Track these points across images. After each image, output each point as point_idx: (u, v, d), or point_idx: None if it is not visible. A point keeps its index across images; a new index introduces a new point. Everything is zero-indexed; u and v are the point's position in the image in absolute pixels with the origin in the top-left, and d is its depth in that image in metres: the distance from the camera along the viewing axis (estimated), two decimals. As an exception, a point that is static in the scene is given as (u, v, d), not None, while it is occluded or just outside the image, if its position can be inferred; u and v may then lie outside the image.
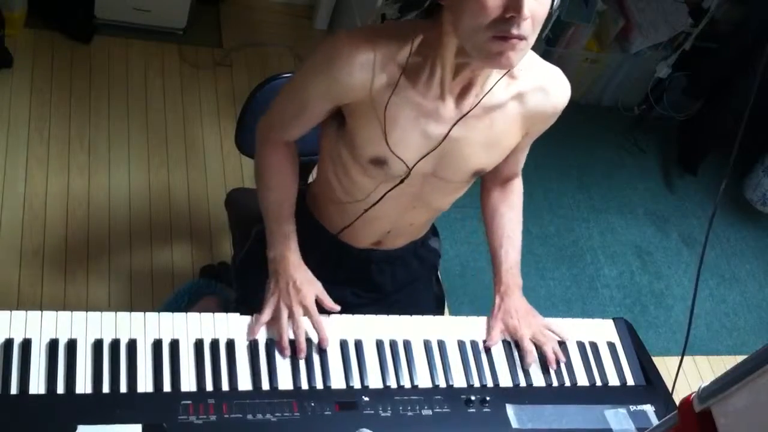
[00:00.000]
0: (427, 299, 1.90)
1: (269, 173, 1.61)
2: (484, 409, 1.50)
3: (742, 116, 1.41)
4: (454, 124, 1.45)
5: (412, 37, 1.40)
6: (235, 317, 1.51)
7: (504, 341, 1.63)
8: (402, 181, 1.53)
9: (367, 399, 1.46)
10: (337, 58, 1.40)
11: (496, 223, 1.73)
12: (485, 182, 1.76)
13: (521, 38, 1.27)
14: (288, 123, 1.57)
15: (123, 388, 1.36)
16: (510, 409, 1.52)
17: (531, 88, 1.49)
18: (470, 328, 1.64)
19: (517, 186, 1.77)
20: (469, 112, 1.45)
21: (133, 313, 1.45)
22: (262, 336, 1.50)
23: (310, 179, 2.08)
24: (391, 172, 1.51)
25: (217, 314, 1.50)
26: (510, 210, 1.74)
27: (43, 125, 2.76)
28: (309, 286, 1.54)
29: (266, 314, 1.50)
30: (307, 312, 1.51)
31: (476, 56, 1.33)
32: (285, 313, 1.50)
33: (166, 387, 1.38)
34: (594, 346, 1.68)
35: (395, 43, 1.40)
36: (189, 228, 2.68)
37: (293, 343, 1.49)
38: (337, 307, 1.55)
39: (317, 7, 3.42)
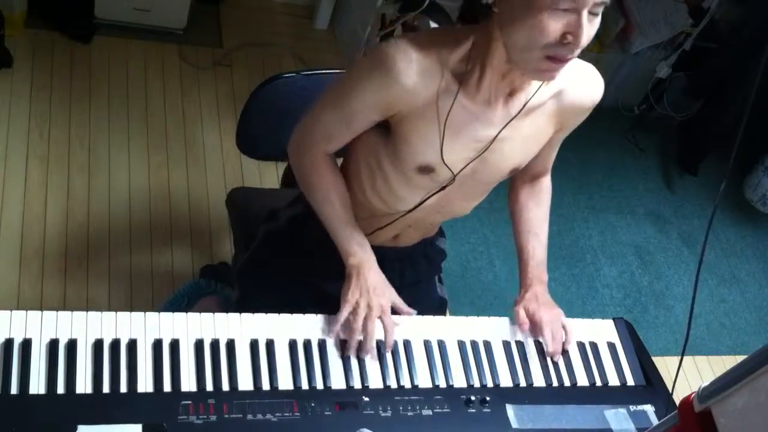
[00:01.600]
0: (430, 299, 1.90)
1: (326, 188, 1.61)
2: (484, 409, 1.50)
3: (742, 116, 1.41)
4: (504, 127, 1.47)
5: (465, 43, 1.41)
6: (235, 317, 1.51)
7: (504, 341, 1.64)
8: (444, 188, 1.55)
9: (367, 399, 1.46)
10: (395, 65, 1.39)
11: (524, 219, 1.74)
12: (514, 179, 1.78)
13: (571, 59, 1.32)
14: (333, 136, 1.55)
15: (123, 388, 1.36)
16: (510, 409, 1.52)
17: (568, 85, 1.51)
18: (470, 328, 1.64)
19: (546, 184, 1.79)
20: (517, 114, 1.46)
21: (133, 313, 1.45)
22: (262, 335, 1.50)
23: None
24: (438, 178, 1.52)
25: (217, 314, 1.50)
26: (537, 207, 1.76)
27: (43, 125, 2.76)
28: (386, 289, 1.57)
29: (345, 311, 1.52)
30: (382, 313, 1.53)
31: (522, 69, 1.36)
32: (363, 313, 1.51)
33: (166, 387, 1.38)
34: (594, 346, 1.68)
35: (448, 49, 1.41)
36: (189, 228, 2.68)
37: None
38: (414, 312, 1.58)
39: (317, 7, 3.42)
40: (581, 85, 1.53)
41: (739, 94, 3.33)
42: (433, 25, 2.74)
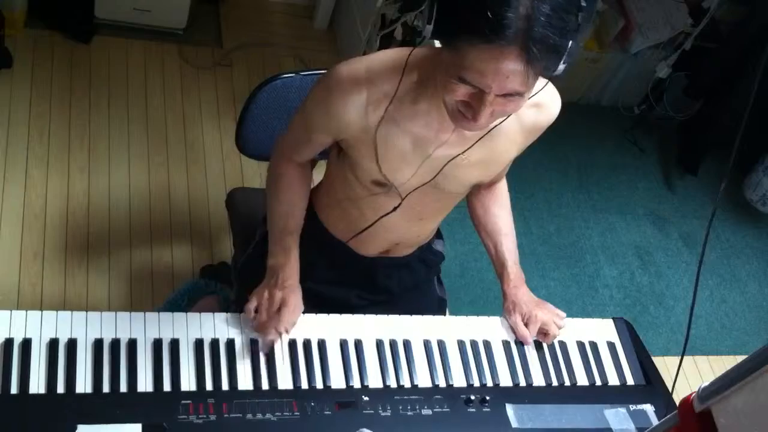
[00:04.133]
0: (429, 300, 1.90)
1: (280, 188, 1.63)
2: (484, 409, 1.50)
3: (742, 116, 1.41)
4: (459, 154, 1.47)
5: (407, 67, 1.40)
6: (235, 317, 1.51)
7: (504, 341, 1.64)
8: (395, 209, 1.57)
9: (367, 399, 1.46)
10: (332, 96, 1.43)
11: (492, 222, 1.75)
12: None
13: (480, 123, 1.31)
14: (299, 147, 1.60)
15: (123, 388, 1.36)
16: (510, 409, 1.52)
17: (526, 105, 1.47)
18: (470, 328, 1.64)
19: (503, 185, 1.79)
20: (473, 145, 1.46)
21: (133, 313, 1.45)
22: (261, 335, 1.49)
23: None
24: (393, 191, 1.54)
25: (217, 314, 1.51)
26: (501, 209, 1.76)
27: (43, 125, 2.76)
28: (295, 294, 1.54)
29: (250, 304, 1.51)
30: (283, 304, 1.50)
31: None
32: (266, 304, 1.50)
33: (166, 387, 1.38)
34: (594, 346, 1.68)
35: (388, 77, 1.41)
36: (189, 228, 2.68)
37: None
38: (290, 329, 1.53)
39: (317, 7, 3.42)
40: (538, 105, 1.52)
41: (739, 94, 3.33)
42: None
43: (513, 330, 1.65)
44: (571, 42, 1.19)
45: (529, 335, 1.63)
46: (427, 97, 1.41)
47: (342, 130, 1.47)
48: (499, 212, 1.76)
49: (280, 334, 1.49)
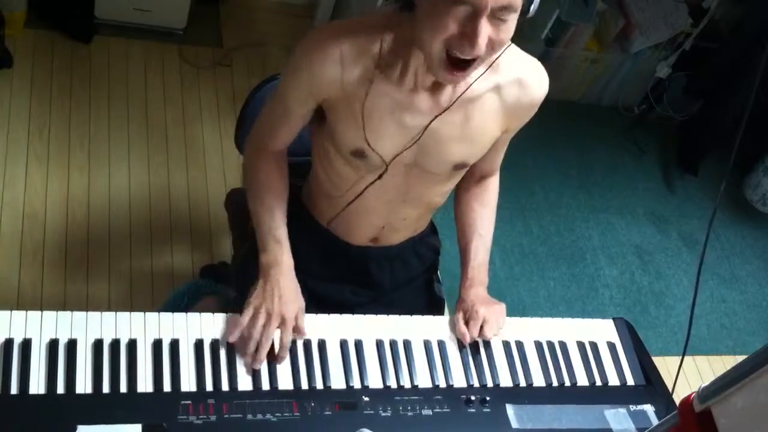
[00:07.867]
0: (427, 298, 1.90)
1: (261, 183, 1.61)
2: (484, 409, 1.50)
3: (742, 116, 1.41)
4: (434, 119, 1.46)
5: (383, 31, 1.41)
6: (235, 317, 1.51)
7: (503, 341, 1.64)
8: (380, 176, 1.54)
9: (367, 399, 1.46)
10: (310, 54, 1.42)
11: (469, 220, 1.73)
12: (461, 179, 1.74)
13: (474, 60, 1.30)
14: (275, 129, 1.58)
15: (123, 388, 1.36)
16: (510, 409, 1.52)
17: (509, 81, 1.48)
18: (470, 328, 1.64)
19: (493, 184, 1.76)
20: (449, 107, 1.45)
21: (133, 313, 1.45)
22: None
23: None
24: (372, 163, 1.52)
25: (217, 314, 1.50)
26: (483, 208, 1.74)
27: (43, 125, 2.76)
28: (293, 302, 1.52)
29: (246, 316, 1.48)
30: (283, 326, 1.48)
31: (428, 68, 1.36)
32: (262, 320, 1.47)
33: (166, 387, 1.38)
34: (594, 346, 1.68)
35: (366, 37, 1.41)
36: (189, 228, 2.68)
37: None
38: (306, 334, 1.51)
39: (317, 7, 3.42)
40: (521, 83, 1.49)
41: (739, 94, 3.33)
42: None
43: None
44: None
45: (467, 333, 1.58)
46: (402, 61, 1.41)
47: (323, 90, 1.45)
48: (481, 211, 1.73)
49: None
